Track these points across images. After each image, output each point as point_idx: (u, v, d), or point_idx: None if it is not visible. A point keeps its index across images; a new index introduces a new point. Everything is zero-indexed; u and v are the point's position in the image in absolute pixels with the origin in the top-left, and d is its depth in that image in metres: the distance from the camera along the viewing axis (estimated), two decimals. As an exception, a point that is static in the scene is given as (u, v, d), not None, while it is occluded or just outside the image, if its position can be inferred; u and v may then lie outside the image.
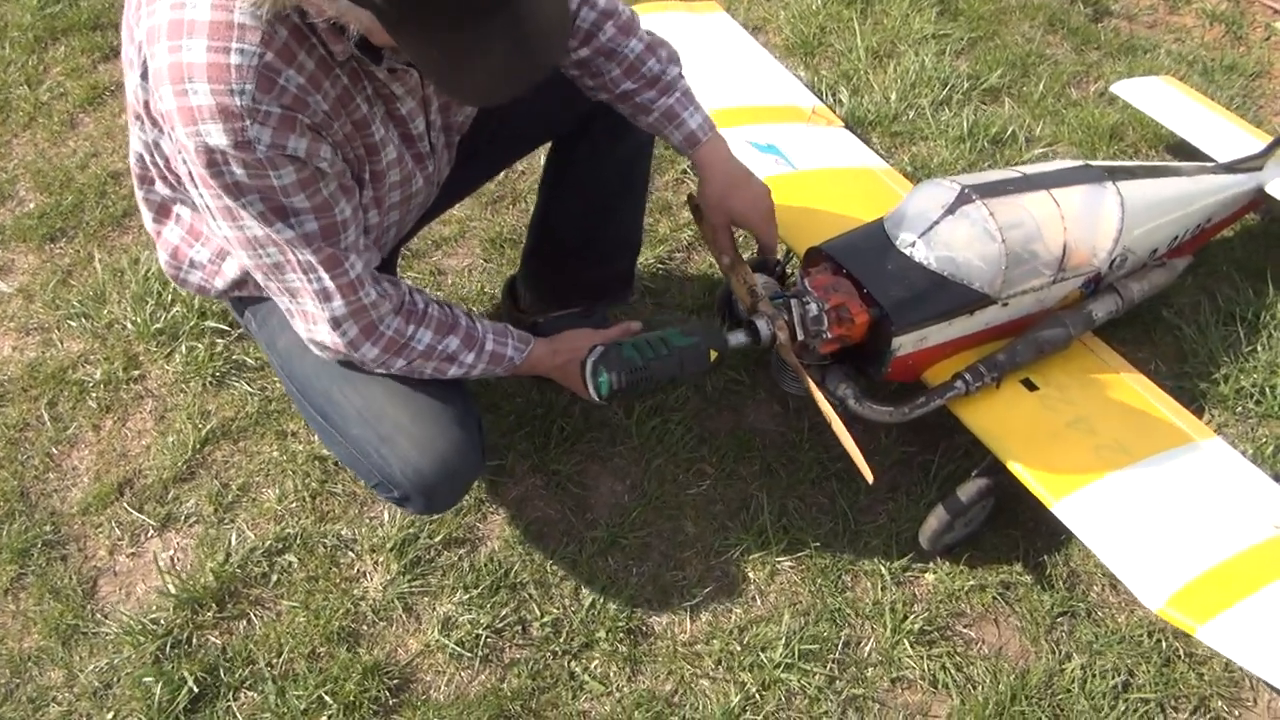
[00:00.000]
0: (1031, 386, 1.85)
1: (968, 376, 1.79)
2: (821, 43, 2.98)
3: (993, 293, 1.80)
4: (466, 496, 1.93)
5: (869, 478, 1.63)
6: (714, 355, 1.62)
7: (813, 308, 1.71)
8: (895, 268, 1.79)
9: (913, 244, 1.80)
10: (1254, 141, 2.43)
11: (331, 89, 1.29)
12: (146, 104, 1.31)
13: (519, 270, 2.16)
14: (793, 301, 1.72)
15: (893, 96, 2.78)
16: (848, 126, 2.47)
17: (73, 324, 2.21)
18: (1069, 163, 2.01)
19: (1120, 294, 1.99)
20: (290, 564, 1.83)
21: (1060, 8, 3.16)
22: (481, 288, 2.32)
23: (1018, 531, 1.92)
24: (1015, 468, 1.72)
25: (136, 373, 2.13)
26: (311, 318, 1.43)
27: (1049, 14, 3.12)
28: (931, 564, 1.88)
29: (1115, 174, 1.98)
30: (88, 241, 2.39)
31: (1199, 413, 2.08)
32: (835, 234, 1.88)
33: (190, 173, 1.30)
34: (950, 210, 1.80)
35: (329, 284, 1.38)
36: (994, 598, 1.84)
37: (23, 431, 2.03)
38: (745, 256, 1.79)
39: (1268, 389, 2.11)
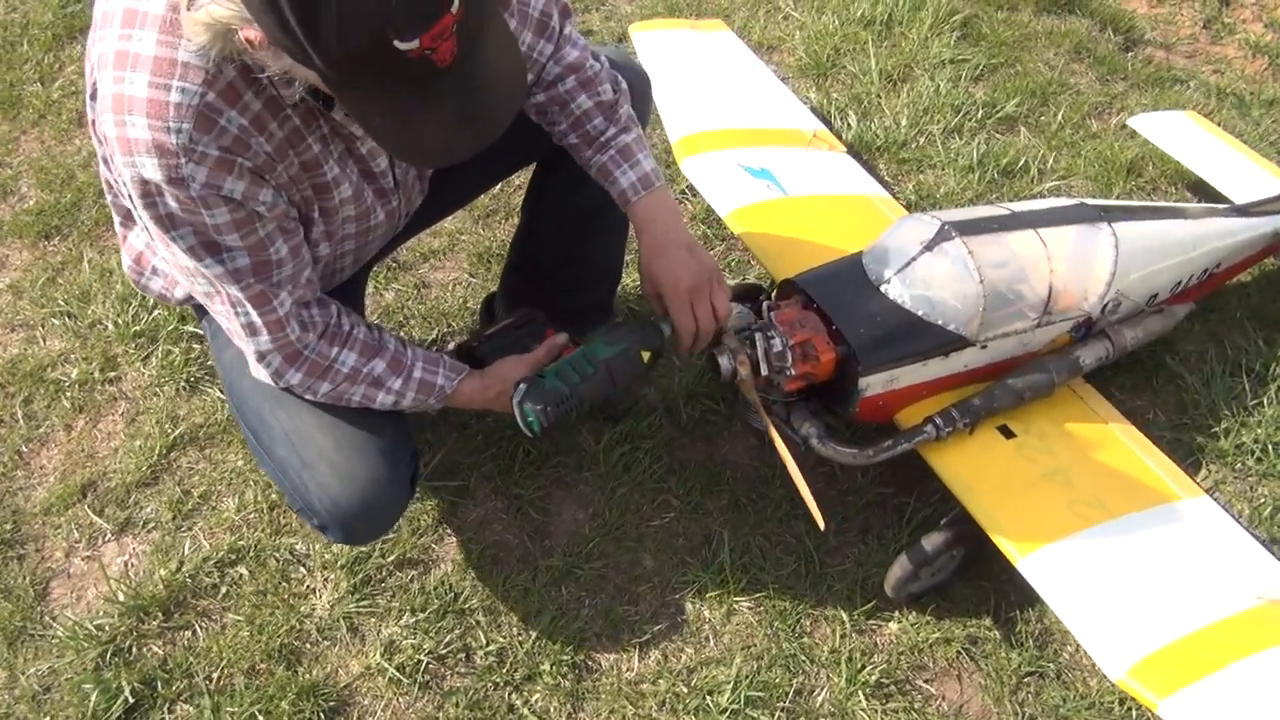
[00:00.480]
0: (1009, 434, 1.78)
1: (939, 421, 1.72)
2: (835, 64, 2.91)
3: (970, 335, 1.73)
4: (424, 517, 1.90)
5: (820, 524, 1.57)
6: (648, 355, 1.56)
7: (777, 343, 1.66)
8: (868, 304, 1.73)
9: (888, 280, 1.74)
10: (1276, 182, 2.32)
11: (279, 130, 1.26)
12: (94, 122, 1.31)
13: (498, 288, 2.13)
14: (757, 335, 1.67)
15: (903, 121, 2.70)
16: (851, 152, 2.41)
17: (56, 322, 2.22)
18: (1063, 201, 1.93)
19: (1112, 340, 1.90)
20: (241, 576, 1.81)
21: (1088, 35, 3.06)
22: (464, 302, 2.29)
23: (989, 583, 1.84)
24: (983, 519, 1.64)
25: (113, 374, 2.13)
26: (241, 346, 1.42)
27: (1075, 41, 3.02)
28: (896, 613, 1.81)
29: (1112, 214, 1.90)
30: (81, 240, 2.41)
31: (1195, 468, 1.98)
32: (816, 265, 1.83)
33: (130, 195, 1.29)
34: (929, 247, 1.73)
35: (255, 319, 1.36)
36: (959, 652, 1.76)
37: (-4, 428, 2.04)
38: (731, 283, 1.73)
39: (1270, 446, 2.00)
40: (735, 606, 1.80)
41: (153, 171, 1.18)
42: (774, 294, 1.84)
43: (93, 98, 1.22)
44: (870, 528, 1.92)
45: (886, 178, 2.59)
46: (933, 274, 1.72)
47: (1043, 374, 1.80)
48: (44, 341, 2.20)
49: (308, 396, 1.48)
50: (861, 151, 2.64)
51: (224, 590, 1.79)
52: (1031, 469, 1.73)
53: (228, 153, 1.20)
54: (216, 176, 1.20)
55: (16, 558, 1.84)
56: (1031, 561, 1.59)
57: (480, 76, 1.07)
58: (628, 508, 1.93)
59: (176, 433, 2.01)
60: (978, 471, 1.72)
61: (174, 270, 1.41)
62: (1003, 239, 1.78)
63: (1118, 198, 2.55)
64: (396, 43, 0.97)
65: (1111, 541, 1.63)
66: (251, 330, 1.38)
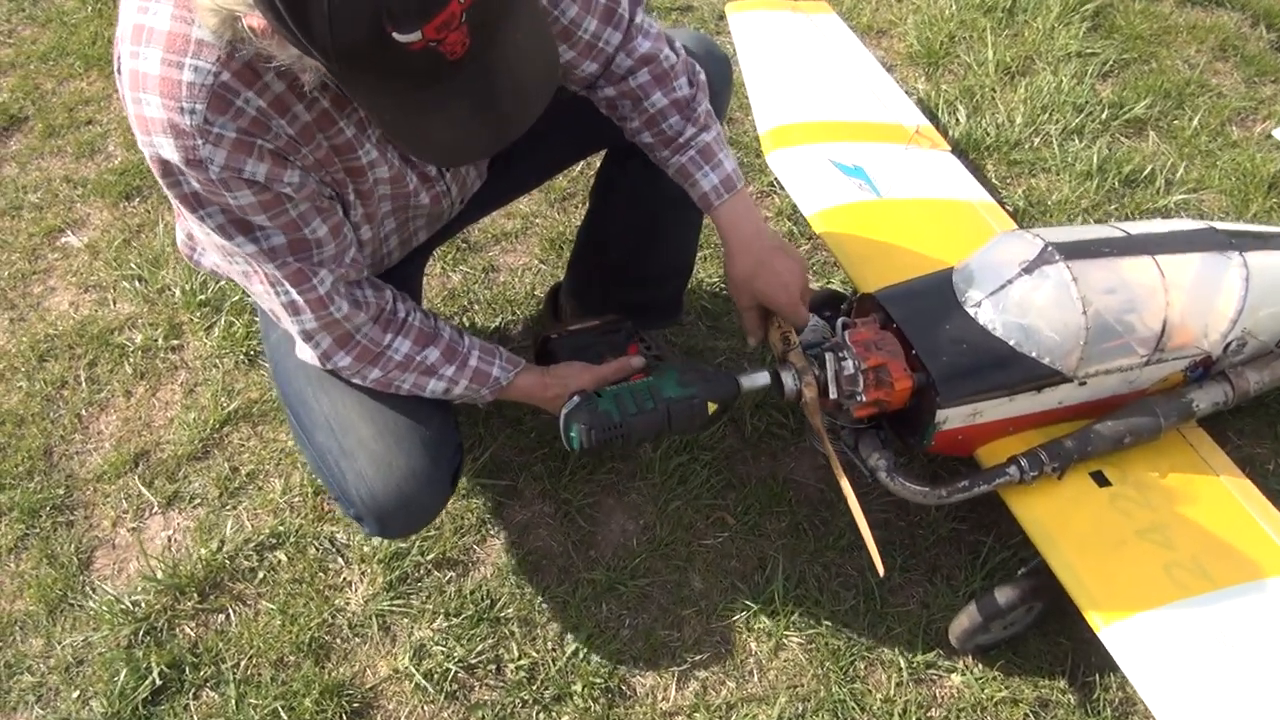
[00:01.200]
0: (1103, 481, 1.60)
1: (1024, 463, 1.55)
2: (948, 53, 2.70)
3: (1067, 370, 1.56)
4: (469, 515, 1.83)
5: (880, 570, 1.44)
6: (714, 408, 1.45)
7: (849, 365, 1.52)
8: (954, 329, 1.57)
9: (979, 303, 1.57)
10: None
11: (306, 112, 1.19)
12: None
13: (564, 278, 2.04)
14: (827, 355, 1.53)
15: (1018, 119, 2.49)
16: (955, 150, 2.23)
17: (127, 285, 2.22)
18: (1189, 223, 1.73)
19: (1233, 383, 1.69)
20: (279, 562, 1.78)
21: (1236, 31, 2.77)
22: (532, 289, 2.21)
23: (1068, 641, 1.67)
24: (1065, 577, 1.48)
25: (176, 342, 2.12)
26: (287, 327, 1.37)
27: (1221, 37, 2.74)
28: (960, 664, 1.66)
29: (1244, 241, 1.68)
30: (159, 204, 2.41)
31: (1319, 531, 1.76)
32: (903, 278, 1.67)
33: (155, 175, 1.23)
34: (1028, 269, 1.56)
35: (296, 298, 1.30)
36: (1026, 715, 1.60)
37: (60, 389, 2.05)
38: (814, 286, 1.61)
39: None
40: (784, 641, 1.68)
41: (170, 152, 1.11)
42: (852, 308, 1.70)
43: (118, 72, 1.17)
44: (939, 567, 1.77)
45: (994, 180, 2.39)
46: (1030, 299, 1.55)
47: (1148, 416, 1.61)
48: (114, 304, 2.20)
49: (355, 380, 1.41)
50: (968, 150, 2.44)
51: (260, 575, 1.76)
52: (1125, 524, 1.55)
53: (246, 134, 1.12)
54: (236, 159, 1.13)
55: (65, 524, 1.85)
56: (1116, 631, 1.42)
57: (501, 70, 0.97)
58: (680, 523, 1.82)
59: (231, 407, 1.99)
60: (1064, 522, 1.55)
61: (210, 249, 1.37)
62: (1114, 265, 1.59)
63: (1254, 217, 2.29)
64: (395, 34, 0.87)
65: (1212, 616, 1.45)
66: (294, 309, 1.32)
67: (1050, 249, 1.56)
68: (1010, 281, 1.57)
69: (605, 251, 1.87)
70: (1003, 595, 1.58)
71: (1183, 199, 2.33)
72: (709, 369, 1.54)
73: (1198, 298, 1.63)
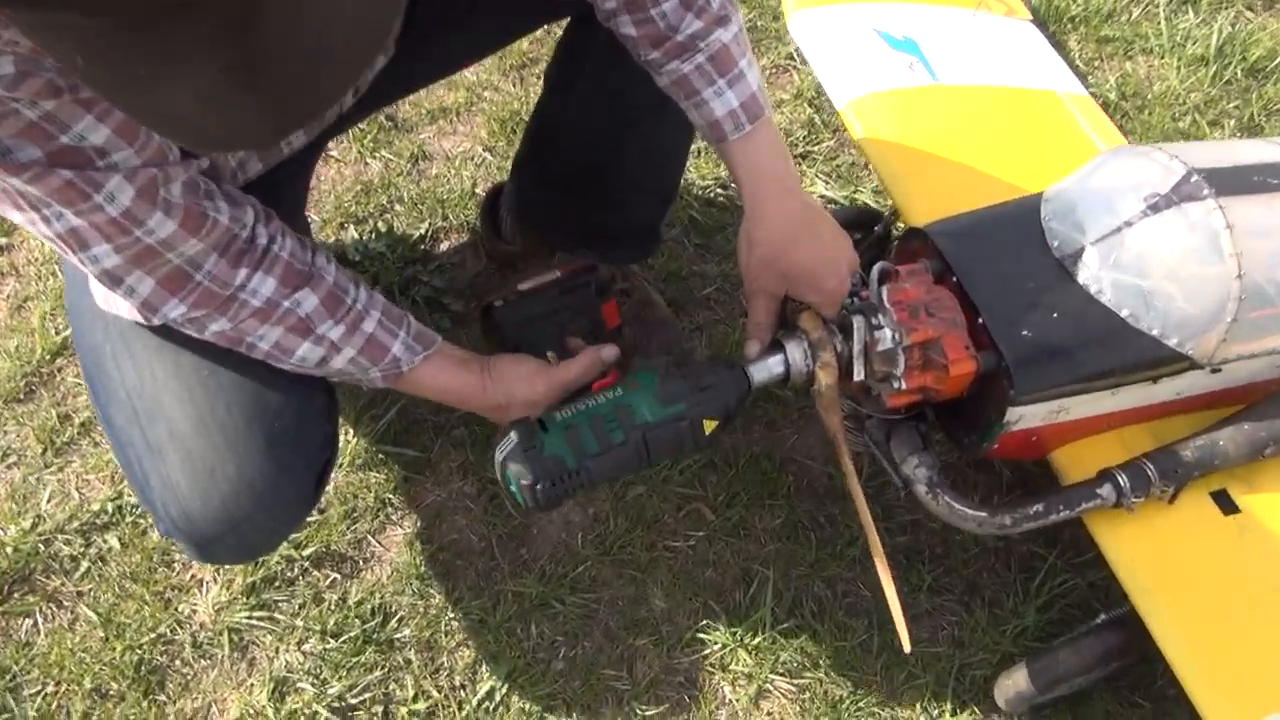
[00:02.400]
0: (1229, 506, 1.14)
1: (1123, 480, 1.09)
2: (1027, -110, 2.10)
3: (1201, 354, 1.08)
4: (364, 495, 1.39)
5: (906, 645, 1.01)
6: (713, 425, 0.99)
7: (886, 336, 1.04)
8: (1041, 288, 1.09)
9: (1081, 252, 1.09)
10: None
11: None
12: None
13: (508, 181, 1.53)
14: (856, 320, 1.05)
15: (1113, -18, 1.93)
16: (1036, 21, 1.68)
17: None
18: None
19: None
20: (109, 549, 1.34)
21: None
22: (473, 186, 1.70)
23: (1148, 703, 1.25)
24: (1173, 653, 1.04)
25: (3, 240, 1.64)
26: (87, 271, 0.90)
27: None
28: (1002, 729, 1.25)
29: None
30: None
31: None
32: (963, 207, 1.18)
33: None
34: (1157, 205, 1.07)
35: (77, 223, 0.82)
36: (1090, 808, 1.20)
37: None
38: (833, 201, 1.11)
39: None
40: (769, 687, 1.26)
41: None
42: (894, 248, 1.21)
43: None
44: (980, 587, 1.34)
45: (1079, 62, 1.85)
46: (1159, 251, 1.06)
47: (1300, 417, 1.15)
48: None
49: (192, 333, 0.95)
50: (1048, 20, 1.89)
51: (84, 567, 1.33)
52: (1260, 570, 1.11)
53: None
54: None
55: None
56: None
57: (278, 26, 0.48)
58: (641, 516, 1.38)
59: (67, 333, 1.52)
60: (1172, 566, 1.11)
61: None
62: (1277, 203, 1.09)
63: None
64: None
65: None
66: (77, 241, 0.84)
67: (1195, 178, 1.06)
68: (1129, 223, 1.07)
69: (560, 155, 1.37)
70: (1070, 657, 1.15)
71: (1323, 97, 1.79)
72: (704, 363, 1.05)
73: (1391, 253, 1.13)
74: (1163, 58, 1.84)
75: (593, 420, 0.95)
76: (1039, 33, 1.63)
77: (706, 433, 0.98)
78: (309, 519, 1.31)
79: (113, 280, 0.89)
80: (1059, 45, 1.83)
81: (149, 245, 0.86)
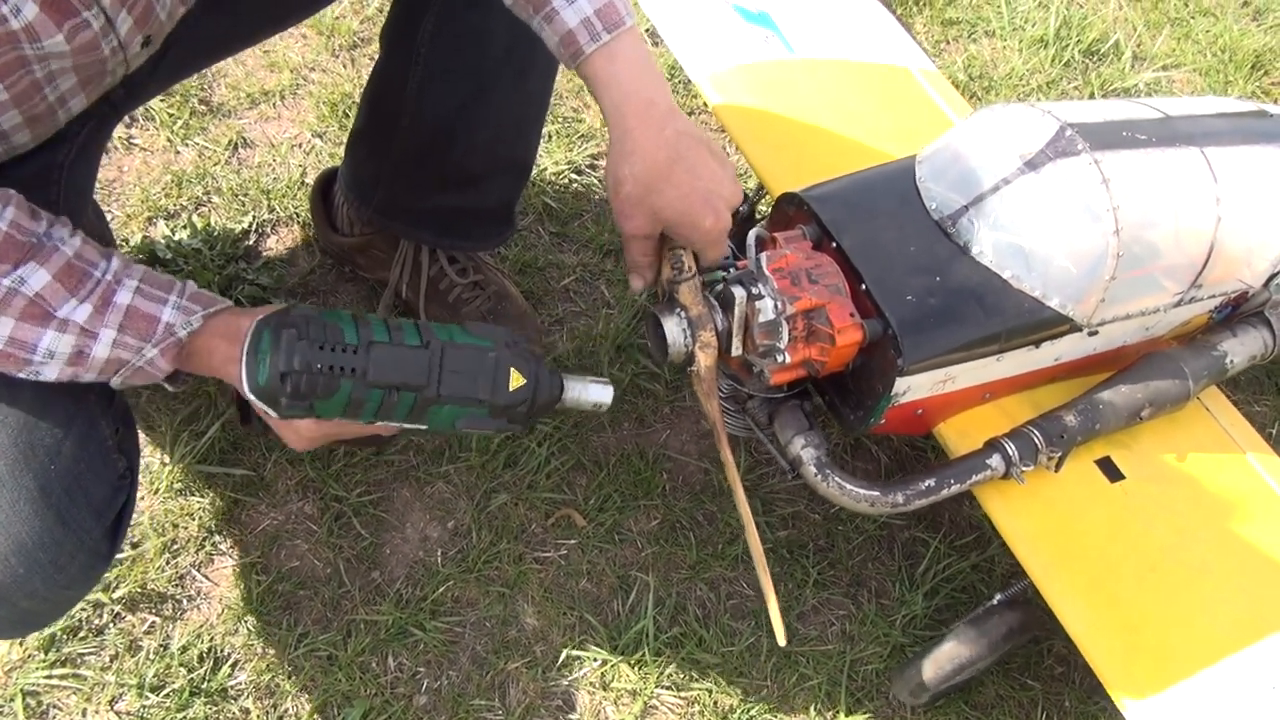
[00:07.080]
0: (1114, 473, 1.12)
1: (1011, 449, 1.05)
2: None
3: (1081, 315, 1.05)
4: (186, 523, 1.21)
5: (781, 639, 0.93)
6: (519, 382, 0.85)
7: (768, 306, 0.96)
8: (922, 253, 1.03)
9: (959, 213, 1.04)
10: None
11: None
12: None
13: (342, 163, 1.38)
14: (734, 290, 0.96)
15: (953, -32, 1.94)
16: (884, 2, 1.66)
17: None
18: (1238, 103, 1.23)
19: (1274, 329, 1.23)
20: None
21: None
22: (301, 176, 1.54)
23: (1036, 682, 1.22)
24: (1072, 621, 1.00)
25: None
26: None
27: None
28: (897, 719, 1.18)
29: (1306, 130, 1.20)
30: None
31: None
32: (832, 174, 1.12)
33: None
34: (1034, 161, 1.03)
35: None
36: (993, 797, 1.15)
37: None
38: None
39: None
40: (656, 702, 1.16)
41: None
42: (768, 215, 1.13)
43: None
44: (866, 578, 1.28)
45: (924, 45, 1.84)
46: (1037, 210, 1.02)
47: (1173, 378, 1.13)
48: None
49: None
50: (894, 4, 1.88)
51: None
52: (1149, 536, 1.08)
53: None
54: None
55: None
56: (1145, 710, 0.96)
57: None
58: (507, 527, 1.25)
59: None
60: (1066, 537, 1.07)
61: None
62: (1153, 160, 1.08)
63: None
64: None
65: (1271, 680, 1.00)
66: None
67: (1070, 132, 1.02)
68: (1007, 181, 1.03)
69: (398, 126, 1.23)
70: (976, 639, 1.10)
71: (1153, 78, 1.85)
72: (526, 345, 0.93)
73: (1252, 212, 1.14)
74: (1005, 40, 1.86)
75: (389, 323, 0.82)
76: (887, 9, 1.61)
77: (510, 388, 0.84)
78: (106, 572, 1.12)
79: None
80: (907, 28, 1.83)
81: None
